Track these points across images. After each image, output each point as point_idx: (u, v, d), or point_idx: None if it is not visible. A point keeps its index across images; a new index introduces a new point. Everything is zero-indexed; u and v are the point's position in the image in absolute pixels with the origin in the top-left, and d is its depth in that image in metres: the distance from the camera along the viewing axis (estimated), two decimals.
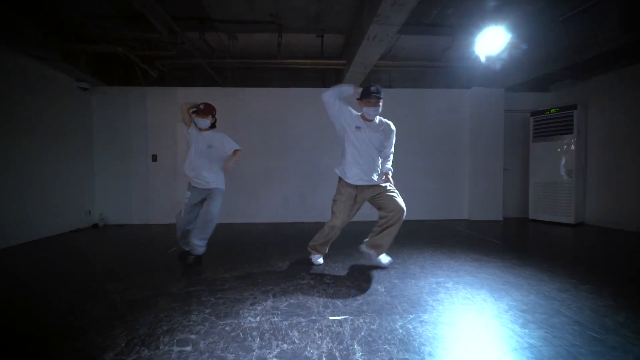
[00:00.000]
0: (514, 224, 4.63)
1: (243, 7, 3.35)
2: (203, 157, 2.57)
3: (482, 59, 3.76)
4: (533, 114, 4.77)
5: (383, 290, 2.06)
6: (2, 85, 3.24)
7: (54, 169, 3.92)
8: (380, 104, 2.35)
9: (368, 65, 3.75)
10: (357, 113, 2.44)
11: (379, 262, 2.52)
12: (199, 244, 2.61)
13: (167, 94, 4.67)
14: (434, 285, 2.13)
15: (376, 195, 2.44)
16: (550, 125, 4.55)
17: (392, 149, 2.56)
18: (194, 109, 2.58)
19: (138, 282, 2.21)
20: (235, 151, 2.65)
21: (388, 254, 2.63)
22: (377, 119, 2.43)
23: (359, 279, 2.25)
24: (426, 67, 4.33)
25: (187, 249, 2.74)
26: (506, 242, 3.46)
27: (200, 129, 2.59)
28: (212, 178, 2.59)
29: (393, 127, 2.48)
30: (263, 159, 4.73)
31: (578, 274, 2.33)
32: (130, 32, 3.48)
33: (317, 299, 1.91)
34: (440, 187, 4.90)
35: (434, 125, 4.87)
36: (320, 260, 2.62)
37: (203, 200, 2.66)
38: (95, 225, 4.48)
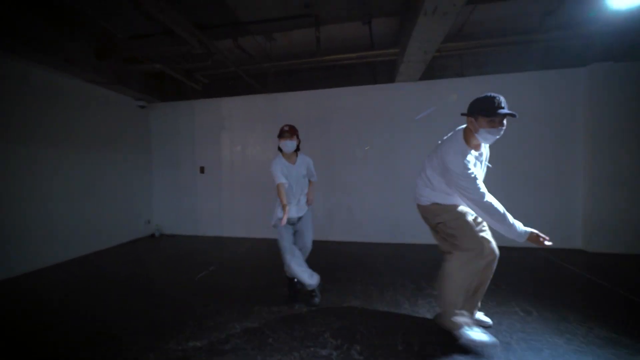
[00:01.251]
0: None
1: (272, 1, 2.91)
2: (299, 186, 2.32)
3: (608, 17, 2.50)
4: None
5: None
6: (64, 105, 3.51)
7: (119, 180, 4.25)
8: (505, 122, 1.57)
9: (429, 51, 2.90)
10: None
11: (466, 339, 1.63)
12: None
13: (211, 105, 4.63)
14: None
15: None
16: None
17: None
18: (278, 135, 2.26)
19: (136, 327, 1.97)
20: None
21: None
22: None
23: (402, 356, 1.55)
24: (515, 43, 3.19)
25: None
26: None
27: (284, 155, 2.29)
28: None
29: None
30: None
31: None
32: (166, 47, 3.42)
33: None
34: (540, 200, 3.61)
35: (530, 120, 3.60)
36: (481, 337, 1.63)
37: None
38: (152, 235, 4.73)
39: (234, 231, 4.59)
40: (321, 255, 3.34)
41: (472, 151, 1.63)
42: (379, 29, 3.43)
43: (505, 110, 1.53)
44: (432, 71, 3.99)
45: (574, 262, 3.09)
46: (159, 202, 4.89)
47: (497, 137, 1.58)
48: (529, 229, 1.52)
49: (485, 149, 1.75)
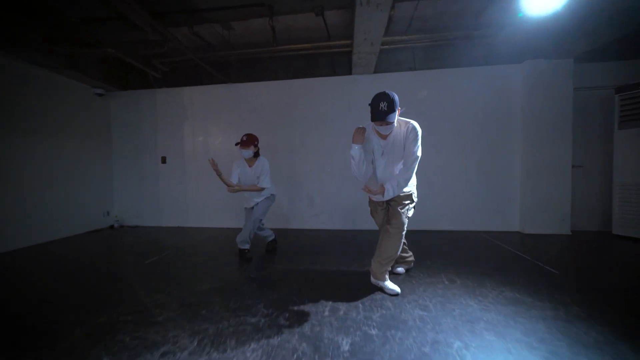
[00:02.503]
0: (588, 241, 3.42)
1: None
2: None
3: (533, 18, 2.75)
4: (619, 89, 3.46)
5: (347, 348, 1.45)
6: (13, 91, 3.40)
7: (75, 171, 4.14)
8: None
9: (374, 42, 3.05)
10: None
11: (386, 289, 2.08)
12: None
13: (173, 94, 4.58)
14: (427, 349, 1.43)
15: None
16: None
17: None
18: (237, 143, 2.78)
19: (72, 302, 1.97)
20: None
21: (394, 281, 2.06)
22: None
23: (325, 320, 1.66)
24: (456, 38, 3.41)
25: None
26: (569, 271, 2.45)
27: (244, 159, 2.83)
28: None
29: None
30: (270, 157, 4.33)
31: None
32: (120, 32, 3.36)
33: (251, 353, 1.40)
34: (482, 189, 3.89)
35: (473, 112, 3.88)
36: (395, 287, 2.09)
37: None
38: (112, 227, 4.62)
39: (197, 221, 4.57)
40: (281, 241, 3.42)
41: (374, 137, 2.01)
42: (335, 20, 3.55)
43: (376, 121, 1.82)
44: (388, 65, 4.17)
45: (509, 241, 3.37)
46: (120, 193, 4.78)
47: (387, 132, 1.93)
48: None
49: (394, 137, 1.96)
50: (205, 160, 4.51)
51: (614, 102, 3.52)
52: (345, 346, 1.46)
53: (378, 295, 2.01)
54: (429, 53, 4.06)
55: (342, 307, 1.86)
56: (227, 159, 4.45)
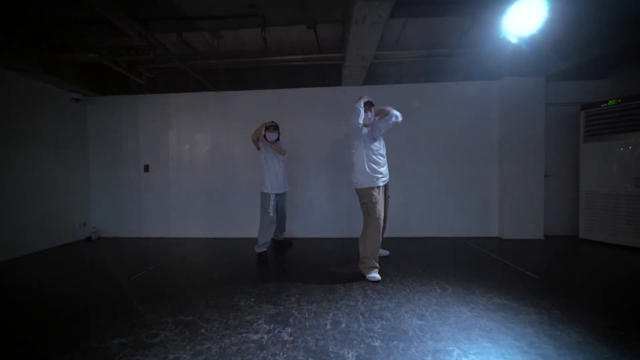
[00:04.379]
0: (559, 245, 3.70)
1: None
2: (282, 166, 3.41)
3: (513, 40, 2.98)
4: (584, 107, 3.80)
5: None
6: None
7: (49, 179, 3.88)
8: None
9: (366, 57, 3.15)
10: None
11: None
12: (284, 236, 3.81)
13: (158, 101, 4.44)
14: (430, 358, 1.50)
15: None
16: (608, 121, 3.57)
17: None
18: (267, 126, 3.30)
19: (61, 328, 1.86)
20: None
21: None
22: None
23: (329, 334, 1.68)
24: (442, 55, 3.60)
25: (280, 238, 3.74)
26: (548, 275, 2.64)
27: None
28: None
29: None
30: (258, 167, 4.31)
31: None
32: (101, 37, 3.24)
33: None
34: (463, 197, 4.10)
35: (455, 125, 4.10)
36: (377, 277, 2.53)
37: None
38: (89, 239, 4.36)
39: (181, 232, 4.43)
40: (272, 252, 3.40)
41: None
42: (326, 33, 3.63)
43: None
44: (376, 77, 4.31)
45: (489, 247, 3.58)
46: (99, 203, 4.53)
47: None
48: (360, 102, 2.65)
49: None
50: (191, 168, 4.41)
51: (579, 118, 3.86)
52: (352, 359, 1.49)
53: (376, 306, 2.07)
54: (415, 66, 4.25)
55: (343, 319, 1.90)
56: (213, 168, 4.38)
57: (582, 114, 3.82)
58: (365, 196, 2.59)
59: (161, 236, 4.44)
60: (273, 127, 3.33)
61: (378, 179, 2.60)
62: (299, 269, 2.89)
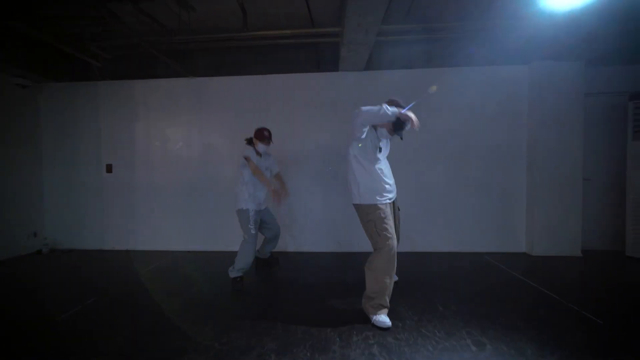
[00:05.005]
0: (606, 265, 3.04)
1: None
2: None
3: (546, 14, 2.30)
4: (634, 97, 3.14)
5: None
6: None
7: None
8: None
9: (370, 30, 2.46)
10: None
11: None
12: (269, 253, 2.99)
13: (122, 88, 3.75)
14: None
15: None
16: None
17: None
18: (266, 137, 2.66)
19: None
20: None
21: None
22: None
23: None
24: (460, 32, 2.92)
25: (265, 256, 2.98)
26: (615, 319, 1.96)
27: (259, 154, 2.65)
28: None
29: None
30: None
31: None
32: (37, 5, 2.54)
33: None
34: (482, 206, 3.44)
35: (474, 118, 3.43)
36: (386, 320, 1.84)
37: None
38: (39, 252, 3.68)
39: (150, 244, 3.76)
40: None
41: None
42: (321, 7, 2.94)
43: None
44: (379, 61, 3.61)
45: (518, 267, 2.94)
46: (52, 210, 3.85)
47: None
48: (396, 110, 1.81)
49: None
50: (161, 168, 3.73)
51: (626, 110, 3.19)
52: None
53: None
54: (427, 50, 3.55)
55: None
56: (188, 167, 3.71)
57: (631, 104, 3.15)
58: (370, 212, 1.93)
59: (126, 249, 3.77)
60: (267, 138, 2.65)
61: (386, 191, 1.96)
62: (283, 304, 2.22)
